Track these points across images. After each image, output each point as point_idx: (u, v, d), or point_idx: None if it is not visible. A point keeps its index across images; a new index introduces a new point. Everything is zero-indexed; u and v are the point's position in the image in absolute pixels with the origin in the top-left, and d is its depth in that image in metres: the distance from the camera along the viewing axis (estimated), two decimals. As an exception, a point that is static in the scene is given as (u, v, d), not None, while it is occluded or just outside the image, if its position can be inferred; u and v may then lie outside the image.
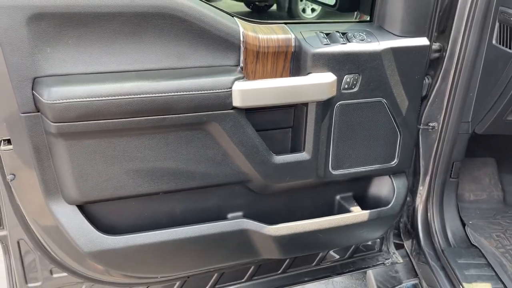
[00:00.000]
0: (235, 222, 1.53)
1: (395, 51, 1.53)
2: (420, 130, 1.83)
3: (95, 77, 1.27)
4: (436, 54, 1.73)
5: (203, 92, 1.32)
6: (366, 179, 1.77)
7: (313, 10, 7.77)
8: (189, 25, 1.32)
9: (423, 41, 1.58)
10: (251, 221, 1.55)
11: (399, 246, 2.16)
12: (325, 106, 1.50)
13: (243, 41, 1.39)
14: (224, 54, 1.39)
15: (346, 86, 1.51)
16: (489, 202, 2.05)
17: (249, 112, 1.44)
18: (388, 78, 1.55)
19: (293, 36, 1.46)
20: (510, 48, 1.56)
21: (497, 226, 1.94)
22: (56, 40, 1.21)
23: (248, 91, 1.37)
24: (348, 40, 1.50)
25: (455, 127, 1.81)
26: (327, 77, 1.46)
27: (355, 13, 1.90)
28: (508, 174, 2.12)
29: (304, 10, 7.74)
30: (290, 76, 1.49)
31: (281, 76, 1.49)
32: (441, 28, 1.70)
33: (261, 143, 1.47)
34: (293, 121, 1.58)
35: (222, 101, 1.35)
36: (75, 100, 1.21)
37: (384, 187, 1.78)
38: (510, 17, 1.53)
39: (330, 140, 1.57)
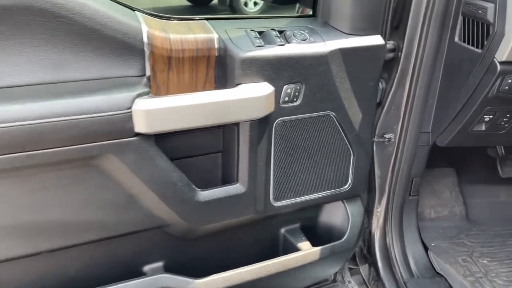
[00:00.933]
0: (152, 280, 1.18)
1: (344, 52, 1.23)
2: (375, 142, 1.56)
3: None
4: (391, 54, 1.46)
5: (89, 116, 0.95)
6: (315, 207, 1.48)
7: (255, 3, 7.43)
8: (69, 23, 0.95)
9: (377, 39, 1.29)
10: (172, 275, 1.20)
11: (354, 272, 1.90)
12: (261, 124, 1.18)
13: (148, 44, 1.04)
14: (122, 61, 1.03)
15: (286, 98, 1.20)
16: (451, 219, 1.83)
17: (162, 135, 1.09)
18: (337, 87, 1.26)
19: (216, 36, 1.12)
20: (476, 47, 1.32)
21: (462, 248, 1.72)
22: None
23: (156, 111, 1.02)
24: (287, 40, 1.19)
25: (414, 138, 1.55)
26: (262, 89, 1.14)
27: (296, 6, 1.60)
28: (469, 184, 1.92)
29: (246, 4, 7.39)
30: (215, 87, 1.16)
31: (204, 87, 1.15)
32: (394, 23, 1.42)
33: (179, 177, 1.13)
34: (223, 144, 1.25)
35: (119, 127, 0.99)
36: None
37: (337, 215, 1.50)
38: (476, 9, 1.28)
39: (269, 166, 1.26)
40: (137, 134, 1.02)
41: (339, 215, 1.49)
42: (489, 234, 1.79)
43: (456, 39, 1.39)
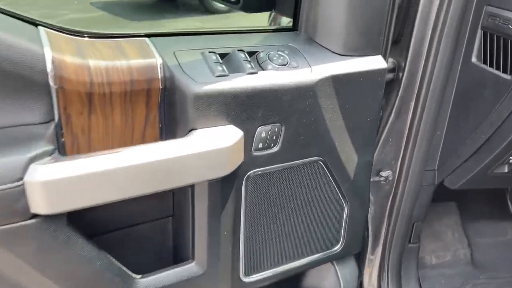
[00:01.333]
0: None
1: (337, 80, 0.92)
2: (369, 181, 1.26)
3: None
4: (390, 75, 1.15)
5: None
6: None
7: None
8: None
9: (377, 61, 0.99)
10: None
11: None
12: (225, 182, 0.86)
13: (54, 75, 0.70)
14: (15, 101, 0.68)
15: (260, 144, 0.88)
16: (455, 265, 1.56)
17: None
18: (327, 125, 0.95)
19: (160, 61, 0.79)
20: (502, 71, 1.02)
21: (470, 303, 1.44)
22: None
23: (64, 182, 0.67)
24: (261, 66, 0.87)
25: (417, 177, 1.26)
26: (227, 135, 0.81)
27: (271, 15, 1.27)
28: (473, 221, 1.65)
29: (221, -5, 6.71)
30: (159, 135, 0.83)
31: (143, 135, 0.81)
32: (394, 36, 1.12)
33: (107, 264, 0.79)
34: (173, 207, 0.92)
35: (6, 206, 0.65)
36: None
37: (325, 280, 1.19)
38: (505, 23, 0.99)
39: (238, 235, 0.93)
40: (36, 216, 0.68)
41: (329, 280, 1.18)
42: (499, 282, 1.52)
43: (474, 59, 1.10)
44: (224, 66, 0.83)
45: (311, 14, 0.95)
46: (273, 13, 1.22)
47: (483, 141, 1.10)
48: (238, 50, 0.86)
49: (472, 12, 1.07)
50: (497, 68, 1.03)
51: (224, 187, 0.86)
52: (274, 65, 0.87)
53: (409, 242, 1.40)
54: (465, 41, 1.11)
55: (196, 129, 0.80)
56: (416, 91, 1.15)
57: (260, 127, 0.86)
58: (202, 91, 0.78)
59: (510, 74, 0.99)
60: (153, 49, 0.81)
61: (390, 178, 1.30)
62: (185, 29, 0.89)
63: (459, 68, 1.14)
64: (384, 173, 1.30)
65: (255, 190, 0.92)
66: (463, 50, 1.12)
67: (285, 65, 0.88)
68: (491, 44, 1.05)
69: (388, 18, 1.00)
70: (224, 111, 0.81)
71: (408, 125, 1.20)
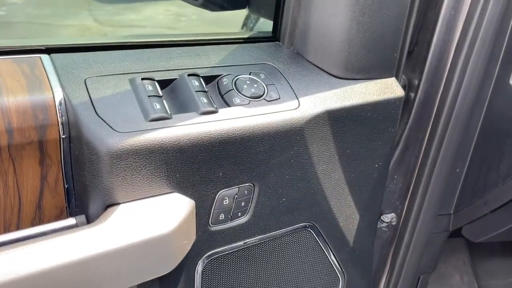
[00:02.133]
0: None
1: (336, 117, 0.63)
2: None
3: None
4: None
5: None
6: None
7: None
8: None
9: (391, 87, 0.70)
10: None
11: None
12: (168, 277, 0.57)
13: None
14: None
15: (222, 216, 0.59)
16: (464, 317, 1.31)
17: None
18: (319, 180, 0.66)
19: (59, 96, 0.49)
20: None
21: None
22: None
23: None
24: (223, 99, 0.57)
25: (428, 223, 1.00)
26: (167, 211, 0.52)
27: (246, 12, 0.97)
28: (484, 260, 1.40)
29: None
30: (67, 203, 0.53)
31: (37, 207, 0.52)
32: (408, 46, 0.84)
33: None
34: None
35: None
36: None
37: None
38: None
39: None
40: None
41: None
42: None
43: None
44: (165, 102, 0.53)
45: (299, 20, 0.66)
46: (246, 13, 0.91)
47: None
48: (190, 75, 0.56)
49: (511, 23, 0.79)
50: None
51: (167, 283, 0.57)
52: (244, 97, 0.57)
53: (414, 297, 1.15)
54: (501, 56, 0.83)
55: (116, 203, 0.50)
56: (432, 116, 0.88)
57: (221, 192, 0.57)
58: (124, 146, 0.48)
59: None
60: (51, 75, 0.51)
61: (394, 223, 1.04)
62: (107, 41, 0.58)
63: (490, 90, 0.87)
64: (386, 217, 1.03)
65: (215, 279, 0.63)
66: (498, 68, 0.85)
67: (260, 96, 0.59)
68: None
69: (404, 26, 0.72)
70: (162, 174, 0.51)
71: (420, 159, 0.93)
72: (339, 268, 0.78)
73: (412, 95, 0.89)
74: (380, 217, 1.04)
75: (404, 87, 0.91)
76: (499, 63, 0.84)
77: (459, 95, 0.85)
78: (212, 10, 0.79)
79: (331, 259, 0.75)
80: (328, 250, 0.74)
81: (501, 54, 0.83)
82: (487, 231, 0.96)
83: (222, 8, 0.79)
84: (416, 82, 0.88)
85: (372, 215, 0.79)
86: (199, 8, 0.81)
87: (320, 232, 0.71)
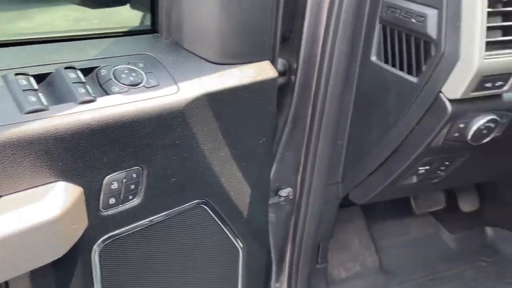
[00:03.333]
0: None
1: (214, 99, 0.69)
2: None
3: None
4: (281, 79, 0.96)
5: None
6: None
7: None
8: None
9: (265, 68, 0.78)
10: None
11: None
12: (62, 263, 0.59)
13: None
14: None
15: (112, 200, 0.62)
16: (364, 276, 1.45)
17: None
18: (206, 158, 0.72)
19: None
20: (407, 72, 0.87)
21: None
22: None
23: None
24: (103, 88, 0.60)
25: (319, 192, 1.11)
26: (52, 199, 0.54)
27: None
28: (378, 223, 1.56)
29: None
30: None
31: None
32: (282, 33, 0.92)
33: None
34: None
35: None
36: None
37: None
38: (406, 16, 0.84)
39: None
40: None
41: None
42: (409, 285, 1.45)
43: (373, 58, 0.95)
44: (41, 95, 0.55)
45: (173, 11, 0.70)
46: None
47: (390, 152, 0.96)
48: (66, 68, 0.59)
49: (368, 2, 0.90)
50: (401, 69, 0.88)
51: (59, 272, 0.59)
52: (123, 85, 0.61)
53: (317, 263, 1.25)
54: (363, 37, 0.95)
55: None
56: (312, 95, 0.98)
57: (109, 177, 0.60)
58: (1, 139, 0.50)
59: (416, 76, 0.85)
60: None
61: (291, 197, 1.13)
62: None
63: (357, 68, 0.98)
64: (283, 192, 1.12)
65: (114, 262, 0.66)
66: (361, 47, 0.96)
67: (139, 84, 0.62)
68: (392, 41, 0.90)
69: (274, 13, 0.79)
70: (44, 164, 0.53)
71: (306, 136, 1.03)
72: (237, 240, 0.84)
73: (293, 77, 0.98)
74: (277, 193, 1.12)
75: (285, 72, 0.99)
76: (361, 43, 0.95)
77: (331, 75, 0.95)
78: (93, 7, 0.81)
79: (228, 232, 0.82)
80: (224, 224, 0.80)
81: (362, 34, 0.94)
82: (367, 193, 1.08)
83: (102, 4, 0.80)
84: (295, 66, 0.97)
85: (263, 188, 0.87)
86: (101, 11, 0.82)
87: (214, 207, 0.76)
